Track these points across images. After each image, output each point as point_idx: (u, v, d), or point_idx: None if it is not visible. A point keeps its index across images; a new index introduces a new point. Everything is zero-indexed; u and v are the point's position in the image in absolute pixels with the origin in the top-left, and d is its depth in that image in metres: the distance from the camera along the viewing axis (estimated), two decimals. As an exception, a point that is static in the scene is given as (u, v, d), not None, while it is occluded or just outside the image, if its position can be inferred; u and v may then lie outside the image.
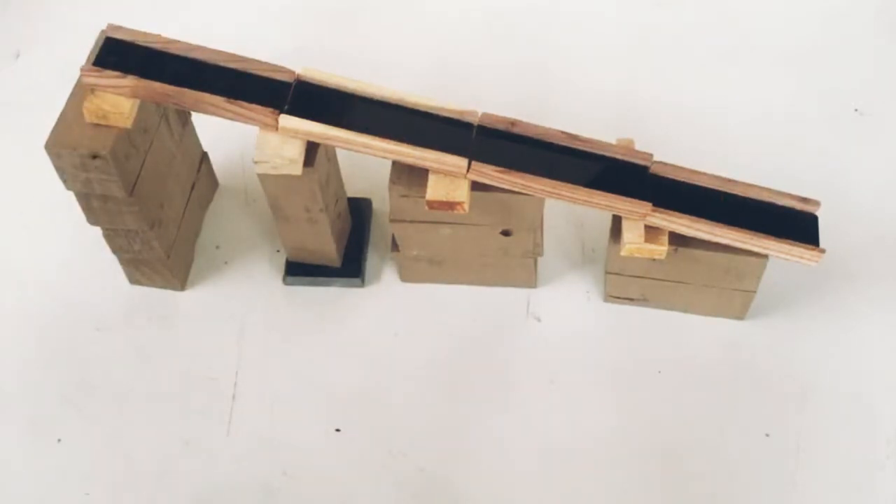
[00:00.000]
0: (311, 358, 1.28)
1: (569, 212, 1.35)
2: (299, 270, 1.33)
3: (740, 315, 1.28)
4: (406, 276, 1.33)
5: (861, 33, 1.60)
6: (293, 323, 1.31)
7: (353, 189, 1.39)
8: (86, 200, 1.18)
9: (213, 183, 1.44)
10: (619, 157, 1.15)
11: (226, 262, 1.37)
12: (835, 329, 1.28)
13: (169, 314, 1.32)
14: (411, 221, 1.22)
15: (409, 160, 1.12)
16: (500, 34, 1.63)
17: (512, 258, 1.27)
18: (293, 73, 1.13)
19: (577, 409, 1.22)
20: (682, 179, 1.16)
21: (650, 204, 1.12)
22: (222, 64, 1.12)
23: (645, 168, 1.15)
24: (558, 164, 1.13)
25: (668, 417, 1.21)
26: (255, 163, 1.12)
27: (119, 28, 1.13)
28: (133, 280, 1.34)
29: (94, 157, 1.09)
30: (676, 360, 1.26)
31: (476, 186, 1.13)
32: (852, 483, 1.15)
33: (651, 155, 1.16)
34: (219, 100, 1.10)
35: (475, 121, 1.14)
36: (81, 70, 1.10)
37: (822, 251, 1.15)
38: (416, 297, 1.33)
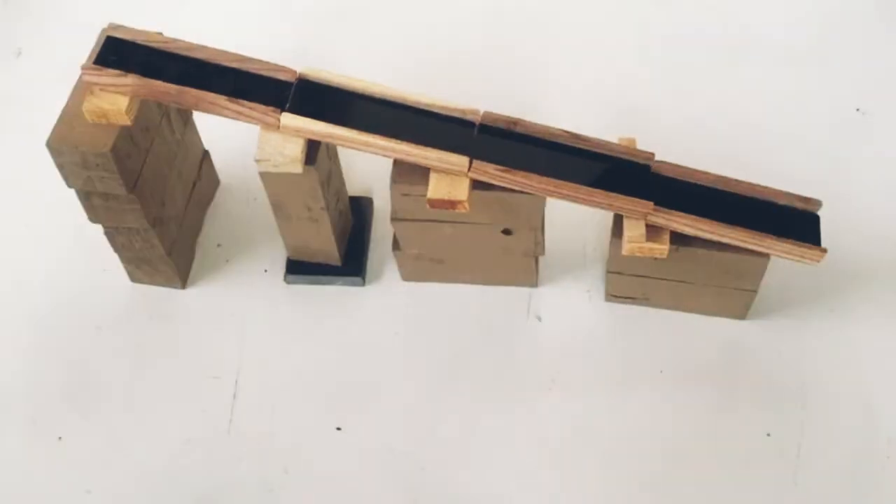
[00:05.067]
0: (312, 356, 1.28)
1: (570, 211, 1.34)
2: (300, 269, 1.33)
3: (742, 315, 1.28)
4: (407, 274, 1.33)
5: (863, 33, 1.60)
6: (294, 321, 1.31)
7: (355, 187, 1.39)
8: (87, 198, 1.18)
9: (215, 181, 1.44)
10: (620, 156, 1.15)
11: (227, 261, 1.37)
12: (836, 329, 1.27)
13: (170, 313, 1.32)
14: (412, 220, 1.22)
15: (411, 158, 1.12)
16: (501, 33, 1.63)
17: (513, 257, 1.27)
18: (294, 72, 1.13)
19: (577, 408, 1.22)
20: (684, 178, 1.16)
21: (652, 203, 1.12)
22: (223, 63, 1.12)
23: (647, 167, 1.15)
24: (560, 163, 1.13)
25: (668, 417, 1.21)
26: (257, 161, 1.12)
27: (120, 27, 1.13)
28: (134, 278, 1.34)
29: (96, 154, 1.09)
30: (677, 359, 1.26)
31: (477, 185, 1.13)
32: (853, 483, 1.15)
33: (653, 154, 1.16)
34: (220, 99, 1.10)
35: (477, 119, 1.14)
36: (82, 68, 1.10)
37: (824, 251, 1.14)
38: (418, 296, 1.33)
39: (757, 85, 1.54)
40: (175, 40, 1.13)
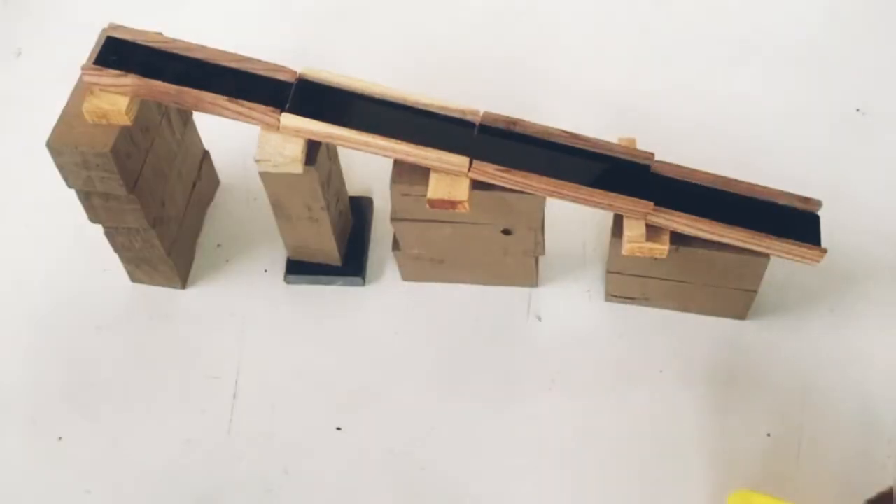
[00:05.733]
0: (312, 356, 1.28)
1: (570, 211, 1.35)
2: (300, 269, 1.33)
3: (742, 315, 1.28)
4: (407, 274, 1.33)
5: (863, 33, 1.60)
6: (294, 321, 1.31)
7: (355, 188, 1.39)
8: (87, 198, 1.18)
9: (215, 181, 1.44)
10: (620, 156, 1.15)
11: (227, 261, 1.37)
12: (836, 329, 1.27)
13: (170, 313, 1.32)
14: (412, 220, 1.22)
15: (411, 159, 1.12)
16: (501, 33, 1.63)
17: (513, 257, 1.27)
18: (294, 72, 1.13)
19: (577, 408, 1.22)
20: (684, 178, 1.16)
21: (651, 203, 1.12)
22: (223, 63, 1.12)
23: (646, 167, 1.15)
24: (560, 163, 1.13)
25: (669, 417, 1.21)
26: (257, 161, 1.12)
27: (120, 27, 1.13)
28: (134, 278, 1.34)
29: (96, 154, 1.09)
30: (677, 359, 1.26)
31: (477, 185, 1.13)
32: (853, 483, 1.15)
33: (653, 154, 1.16)
34: (220, 99, 1.10)
35: (477, 119, 1.14)
36: (82, 69, 1.10)
37: (824, 251, 1.14)
38: (417, 296, 1.33)
39: (757, 85, 1.54)
40: (175, 40, 1.13)
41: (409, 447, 1.20)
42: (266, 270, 1.36)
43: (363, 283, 1.34)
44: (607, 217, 1.21)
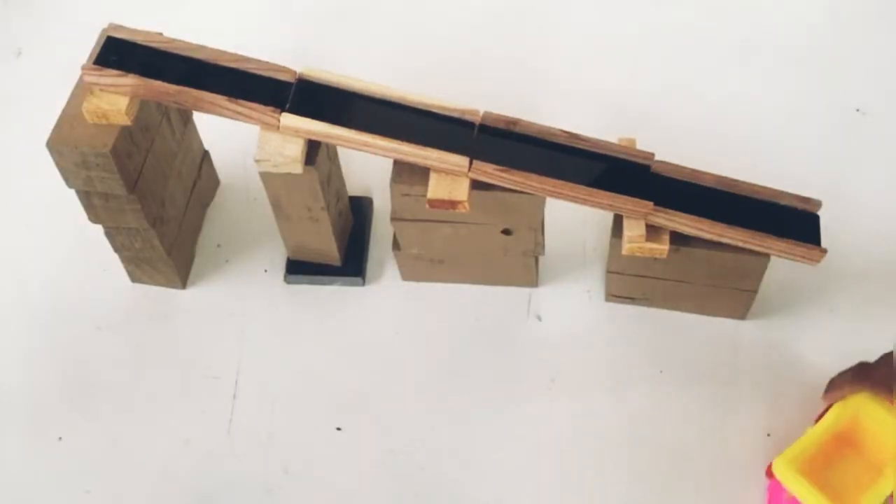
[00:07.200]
0: (312, 356, 1.28)
1: (570, 211, 1.35)
2: (300, 269, 1.33)
3: (741, 315, 1.28)
4: (407, 274, 1.33)
5: (863, 33, 1.60)
6: (294, 321, 1.31)
7: (355, 188, 1.39)
8: (87, 198, 1.18)
9: (215, 181, 1.44)
10: (620, 156, 1.15)
11: (227, 261, 1.37)
12: (835, 329, 1.27)
13: (170, 313, 1.32)
14: (412, 220, 1.22)
15: (411, 159, 1.12)
16: (501, 33, 1.63)
17: (513, 257, 1.27)
18: (294, 72, 1.13)
19: (577, 408, 1.22)
20: (684, 179, 1.16)
21: (651, 203, 1.12)
22: (223, 63, 1.12)
23: (646, 167, 1.15)
24: (559, 163, 1.13)
25: (669, 417, 1.21)
26: (257, 161, 1.12)
27: (120, 27, 1.13)
28: (134, 278, 1.34)
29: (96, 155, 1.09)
30: (677, 359, 1.26)
31: (477, 185, 1.13)
32: (853, 483, 1.15)
33: (653, 154, 1.16)
34: (220, 99, 1.10)
35: (476, 120, 1.14)
36: (82, 68, 1.10)
37: (824, 251, 1.14)
38: (417, 296, 1.33)
39: (757, 85, 1.54)
40: (175, 40, 1.13)
41: (409, 447, 1.20)
42: (266, 270, 1.36)
43: (363, 283, 1.34)
44: (607, 217, 1.21)
